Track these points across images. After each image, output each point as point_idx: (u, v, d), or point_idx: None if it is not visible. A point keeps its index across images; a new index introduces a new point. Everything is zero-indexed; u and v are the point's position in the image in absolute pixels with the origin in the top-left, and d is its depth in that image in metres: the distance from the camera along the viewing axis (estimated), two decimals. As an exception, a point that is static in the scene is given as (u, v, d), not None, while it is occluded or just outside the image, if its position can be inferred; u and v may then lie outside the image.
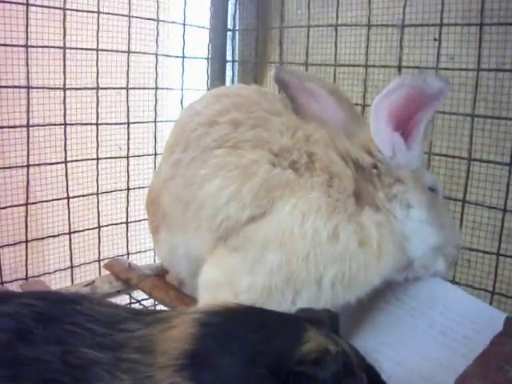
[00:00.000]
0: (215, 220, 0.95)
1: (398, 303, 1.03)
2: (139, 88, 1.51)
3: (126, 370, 0.64)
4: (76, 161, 1.41)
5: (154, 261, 1.57)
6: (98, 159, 1.43)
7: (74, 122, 1.40)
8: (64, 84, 1.33)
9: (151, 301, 1.30)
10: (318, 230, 0.89)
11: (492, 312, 0.98)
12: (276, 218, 0.91)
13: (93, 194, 1.45)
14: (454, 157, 1.27)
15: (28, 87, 1.27)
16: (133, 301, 1.38)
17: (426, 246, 0.98)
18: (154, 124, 1.53)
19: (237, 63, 1.73)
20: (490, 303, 1.21)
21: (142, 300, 1.34)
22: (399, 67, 1.28)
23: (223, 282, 0.94)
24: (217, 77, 1.66)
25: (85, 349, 0.65)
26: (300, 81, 1.07)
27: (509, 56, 1.22)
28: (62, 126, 1.35)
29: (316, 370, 0.60)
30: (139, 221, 1.55)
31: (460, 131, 1.29)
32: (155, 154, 1.53)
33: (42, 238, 1.42)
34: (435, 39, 1.27)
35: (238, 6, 1.74)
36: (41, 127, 1.38)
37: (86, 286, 1.37)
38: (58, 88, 1.34)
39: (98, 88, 1.39)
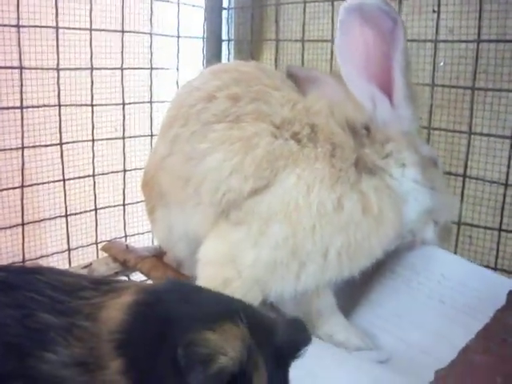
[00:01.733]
0: (217, 194, 0.93)
1: (392, 275, 1.02)
2: (134, 68, 1.49)
3: (77, 337, 0.65)
4: (71, 142, 1.40)
5: (152, 243, 1.56)
6: (93, 141, 1.41)
7: (68, 104, 1.38)
8: (57, 64, 1.31)
9: (149, 282, 1.28)
10: (323, 200, 0.88)
11: (495, 278, 0.96)
12: (280, 190, 0.90)
13: (89, 176, 1.43)
14: (454, 131, 1.26)
15: (21, 68, 1.25)
16: (131, 283, 1.37)
17: (421, 207, 0.98)
18: (149, 104, 1.52)
19: (233, 42, 1.71)
20: (493, 280, 1.20)
21: (140, 281, 1.32)
22: (397, 41, 1.26)
23: (226, 257, 0.93)
24: (213, 56, 1.64)
25: (43, 313, 0.66)
26: (305, 71, 1.12)
27: (510, 27, 1.19)
28: (57, 108, 1.33)
29: (193, 366, 0.52)
30: (137, 203, 1.53)
31: (460, 105, 1.27)
32: (151, 135, 1.51)
33: (39, 221, 1.41)
34: (434, 11, 1.25)
35: (232, -16, 1.72)
36: (35, 109, 1.35)
37: (84, 268, 1.36)
38: (51, 68, 1.32)
39: (92, 68, 1.37)
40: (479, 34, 1.15)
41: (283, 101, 0.97)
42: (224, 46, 1.69)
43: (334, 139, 0.92)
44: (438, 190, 1.00)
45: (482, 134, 1.21)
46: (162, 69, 1.54)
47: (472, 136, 1.19)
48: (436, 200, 0.98)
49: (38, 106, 1.35)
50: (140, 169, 1.51)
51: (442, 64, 1.29)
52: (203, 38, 1.65)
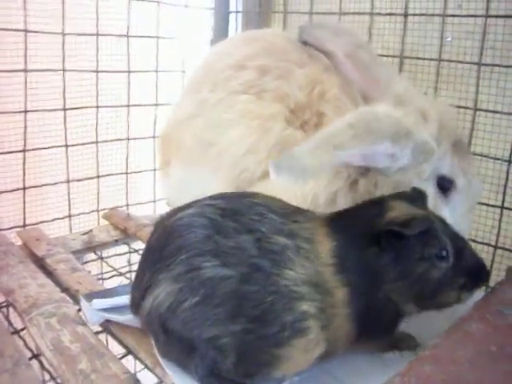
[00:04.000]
0: (235, 169, 1.00)
1: None
2: (140, 36, 1.47)
3: (305, 257, 0.74)
4: (75, 108, 1.39)
5: (154, 212, 1.56)
6: (97, 107, 1.41)
7: (72, 69, 1.37)
8: (63, 30, 1.31)
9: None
10: (318, 194, 0.92)
11: None
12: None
13: (92, 143, 1.43)
14: (459, 107, 1.23)
15: (26, 31, 1.25)
16: (131, 250, 1.37)
17: None
18: (155, 74, 1.51)
19: (240, 13, 1.69)
20: (493, 258, 1.19)
21: (140, 250, 1.32)
22: (405, 15, 1.25)
23: None
24: (220, 27, 1.63)
25: (274, 235, 0.74)
26: (321, 42, 1.05)
27: (519, 2, 1.18)
28: (61, 73, 1.33)
29: (404, 229, 0.73)
30: (139, 172, 1.53)
31: (466, 80, 1.26)
32: (156, 105, 1.51)
33: (40, 186, 1.40)
34: (443, -16, 1.23)
35: (241, -45, 1.70)
36: (39, 73, 1.34)
37: (84, 234, 1.36)
38: (56, 33, 1.31)
39: (97, 34, 1.37)
40: (487, 9, 1.14)
41: (304, 82, 0.99)
42: (232, 17, 1.68)
43: None
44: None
45: (487, 111, 1.19)
46: (168, 38, 1.52)
47: (477, 112, 1.18)
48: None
49: (41, 70, 1.34)
50: (144, 138, 1.51)
51: (449, 39, 1.28)
52: (211, 9, 1.65)
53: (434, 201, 0.91)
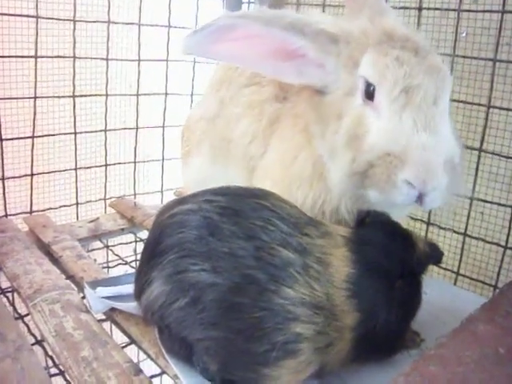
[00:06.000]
0: (245, 158, 1.03)
1: None
2: (151, 25, 1.46)
3: (314, 278, 0.69)
4: (85, 96, 1.39)
5: (162, 202, 1.56)
6: (107, 95, 1.40)
7: (83, 56, 1.36)
8: (74, 16, 1.29)
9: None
10: (286, 154, 0.93)
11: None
12: (269, 150, 0.99)
13: (101, 131, 1.42)
14: (472, 103, 1.22)
15: (37, 17, 1.24)
16: (137, 239, 1.37)
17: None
18: (165, 62, 1.49)
19: (253, 4, 1.67)
20: (502, 258, 1.18)
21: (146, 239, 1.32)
22: (419, 9, 1.23)
23: None
24: (232, 17, 1.61)
25: (278, 247, 0.68)
26: None
27: (536, -3, 1.16)
28: (71, 59, 1.32)
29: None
30: (147, 161, 1.53)
31: (480, 77, 1.24)
32: (166, 94, 1.50)
33: (48, 173, 1.40)
34: (459, -21, 1.22)
35: None
36: (49, 59, 1.34)
37: (91, 222, 1.36)
38: (67, 19, 1.30)
39: (108, 22, 1.35)
40: (504, 4, 1.12)
41: None
42: (244, 7, 1.67)
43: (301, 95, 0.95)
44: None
45: (501, 108, 1.18)
46: (180, 27, 1.51)
47: (490, 110, 1.16)
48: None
49: (52, 57, 1.34)
50: (153, 127, 1.51)
51: (464, 34, 1.26)
52: (224, -2, 1.63)
53: (361, 113, 0.83)
